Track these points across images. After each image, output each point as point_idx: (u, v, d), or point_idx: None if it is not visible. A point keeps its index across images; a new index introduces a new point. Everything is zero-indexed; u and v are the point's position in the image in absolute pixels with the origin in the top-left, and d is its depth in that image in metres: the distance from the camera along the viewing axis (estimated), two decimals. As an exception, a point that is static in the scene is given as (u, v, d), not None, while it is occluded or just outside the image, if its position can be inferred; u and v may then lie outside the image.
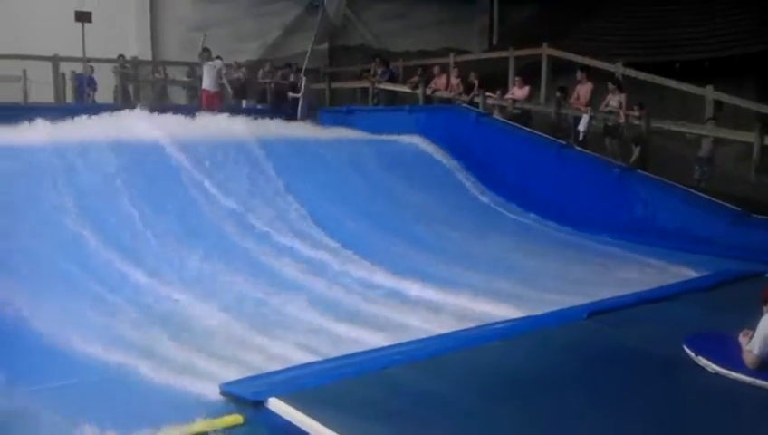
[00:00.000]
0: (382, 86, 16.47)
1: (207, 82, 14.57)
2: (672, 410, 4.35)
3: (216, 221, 8.97)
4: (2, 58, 15.04)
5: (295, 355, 5.62)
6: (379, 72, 16.67)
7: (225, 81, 15.03)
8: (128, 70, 17.31)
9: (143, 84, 17.75)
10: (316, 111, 16.72)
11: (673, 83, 12.71)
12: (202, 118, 12.04)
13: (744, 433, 4.16)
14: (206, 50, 14.67)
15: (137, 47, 18.61)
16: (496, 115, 13.78)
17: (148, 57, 18.70)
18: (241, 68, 17.89)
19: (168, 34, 19.13)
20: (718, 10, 15.89)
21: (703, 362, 4.97)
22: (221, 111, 13.49)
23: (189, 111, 12.82)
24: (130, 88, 17.34)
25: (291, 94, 16.88)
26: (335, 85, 18.20)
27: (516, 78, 14.17)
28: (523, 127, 13.07)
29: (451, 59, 16.18)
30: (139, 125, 10.71)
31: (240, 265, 8.02)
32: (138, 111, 11.45)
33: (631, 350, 5.45)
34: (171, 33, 19.01)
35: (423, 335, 5.93)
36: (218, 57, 15.04)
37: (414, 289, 7.56)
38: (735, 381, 4.74)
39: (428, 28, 20.92)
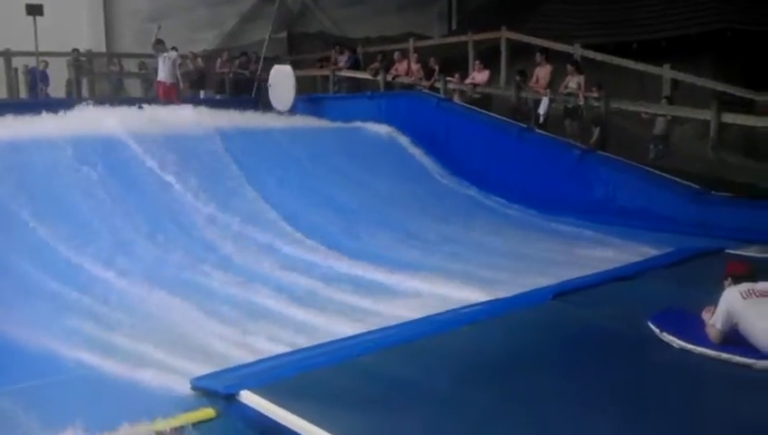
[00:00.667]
0: (343, 73, 16.40)
1: (163, 74, 14.32)
2: (640, 386, 4.43)
3: (178, 214, 8.86)
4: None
5: (266, 347, 5.59)
6: (344, 59, 16.57)
7: (178, 72, 14.78)
8: (82, 63, 16.97)
9: (98, 78, 17.41)
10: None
11: (630, 63, 12.86)
12: (159, 110, 11.82)
13: (711, 405, 4.24)
14: (160, 41, 14.42)
15: (90, 40, 18.29)
16: (457, 100, 13.82)
17: (103, 50, 18.38)
18: (197, 58, 17.65)
19: (121, 26, 18.84)
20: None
21: (668, 338, 5.06)
22: (178, 102, 13.33)
23: (145, 103, 12.59)
24: (85, 81, 17.00)
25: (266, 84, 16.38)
26: (297, 74, 18.02)
27: (476, 62, 14.22)
28: (484, 111, 13.14)
29: (411, 44, 16.16)
30: (97, 119, 10.51)
31: (207, 257, 7.96)
32: (93, 104, 11.21)
33: (597, 329, 5.54)
34: (125, 25, 18.72)
35: (391, 321, 5.93)
36: (174, 48, 14.80)
37: (378, 275, 7.58)
38: (700, 355, 4.84)
39: (388, 13, 20.85)
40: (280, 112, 14.64)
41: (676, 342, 5.00)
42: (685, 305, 5.60)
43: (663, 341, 5.08)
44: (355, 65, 16.54)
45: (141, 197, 8.95)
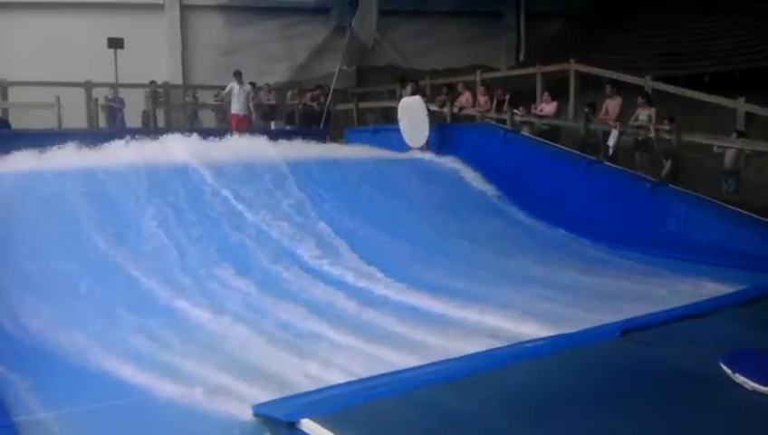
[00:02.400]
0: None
1: (237, 107, 14.77)
2: (709, 428, 4.28)
3: (248, 243, 9.04)
4: (37, 85, 15.43)
5: (329, 376, 5.62)
6: (407, 91, 16.70)
7: (251, 105, 15.23)
8: (159, 94, 17.62)
9: (173, 108, 18.04)
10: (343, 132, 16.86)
11: (703, 96, 12.59)
12: (231, 140, 12.15)
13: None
14: (238, 72, 14.84)
15: (168, 72, 19.00)
16: (525, 132, 13.75)
17: (180, 82, 19.06)
18: (272, 91, 18.13)
19: (198, 59, 19.55)
20: (747, 21, 15.71)
21: (740, 379, 4.87)
22: (249, 133, 13.58)
23: (219, 133, 12.98)
24: (161, 112, 17.62)
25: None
26: (363, 105, 18.31)
27: (545, 93, 14.15)
28: (552, 143, 13.03)
29: (478, 76, 16.21)
30: (171, 148, 10.88)
31: (273, 286, 8.08)
32: (169, 134, 11.62)
33: (666, 368, 5.36)
34: (201, 58, 19.41)
35: (455, 355, 5.89)
36: (252, 83, 15.33)
37: (450, 310, 7.52)
38: (775, 398, 4.65)
39: (455, 46, 21.02)
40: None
41: (749, 383, 4.80)
42: (758, 346, 5.39)
43: (735, 382, 4.89)
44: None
45: (212, 223, 9.17)
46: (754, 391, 4.76)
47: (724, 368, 5.02)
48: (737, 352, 5.25)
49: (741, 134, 11.56)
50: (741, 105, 12.10)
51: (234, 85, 15.12)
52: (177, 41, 19.56)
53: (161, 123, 17.06)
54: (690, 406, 4.65)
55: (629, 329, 6.15)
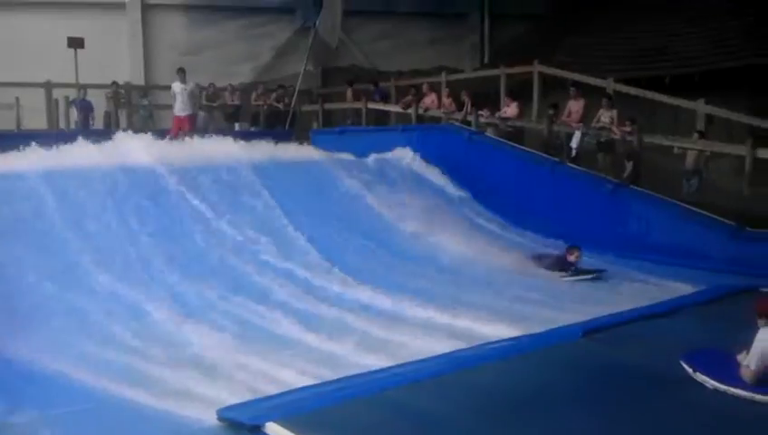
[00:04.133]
0: (372, 106, 16.56)
1: (179, 107, 13.55)
2: (671, 426, 4.36)
3: (211, 244, 8.95)
4: (-5, 85, 15.11)
5: (294, 379, 5.59)
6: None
7: (198, 103, 14.32)
8: (120, 95, 17.35)
9: (135, 109, 17.77)
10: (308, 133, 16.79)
11: (664, 98, 12.80)
12: (193, 142, 11.96)
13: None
14: (181, 70, 13.84)
15: (130, 73, 18.71)
16: (489, 133, 13.83)
17: (142, 82, 18.78)
18: (236, 91, 17.95)
19: (161, 59, 19.23)
20: (707, 24, 16.00)
21: (701, 377, 4.97)
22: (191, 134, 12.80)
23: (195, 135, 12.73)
24: (123, 113, 17.35)
25: None
26: (328, 106, 18.27)
27: (507, 96, 14.26)
28: (516, 145, 13.13)
29: (443, 78, 16.27)
30: (131, 150, 10.69)
31: (236, 288, 8.01)
32: (129, 135, 11.39)
33: (628, 367, 5.45)
34: (164, 58, 19.10)
35: (421, 356, 5.90)
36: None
37: (413, 310, 7.54)
38: (734, 396, 4.74)
39: (420, 47, 21.04)
40: None
41: (709, 382, 4.90)
42: (718, 345, 5.50)
43: (696, 381, 4.98)
44: (382, 98, 16.79)
45: (175, 226, 9.05)
46: (715, 390, 4.86)
47: (685, 367, 5.11)
48: (697, 352, 5.36)
49: (701, 135, 11.77)
50: (701, 106, 12.34)
51: (175, 84, 13.73)
52: (139, 41, 19.26)
53: (123, 124, 16.80)
54: (652, 404, 4.73)
55: (592, 329, 6.25)
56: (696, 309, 7.27)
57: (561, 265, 9.52)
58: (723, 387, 4.82)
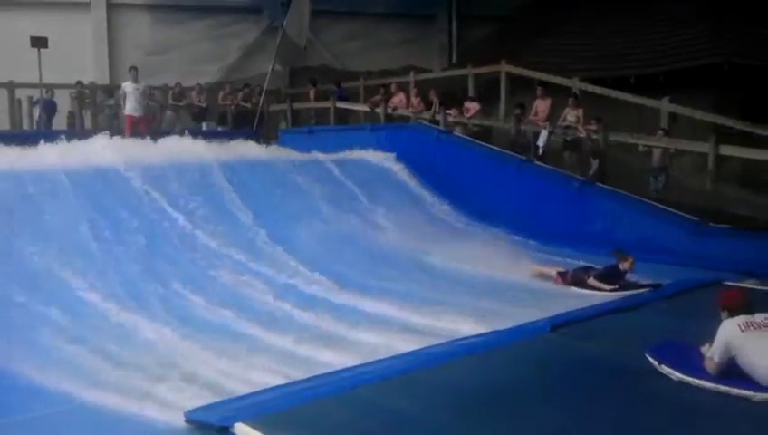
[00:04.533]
0: (341, 106, 16.57)
1: (131, 106, 13.33)
2: (639, 418, 4.41)
3: (176, 245, 8.87)
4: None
5: (262, 378, 5.56)
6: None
7: (149, 104, 14.14)
8: (85, 95, 17.12)
9: (100, 109, 17.54)
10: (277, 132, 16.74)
11: (629, 97, 12.98)
12: (163, 141, 11.83)
13: (709, 439, 4.22)
14: (133, 69, 13.67)
15: (94, 72, 18.47)
16: (457, 132, 13.91)
17: (107, 82, 18.57)
18: (203, 91, 17.83)
19: (126, 59, 18.98)
20: (671, 24, 16.25)
21: (666, 370, 5.03)
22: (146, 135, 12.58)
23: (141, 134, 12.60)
24: (88, 114, 17.12)
25: None
26: (296, 106, 18.22)
27: (469, 97, 14.36)
28: (484, 143, 13.22)
29: (411, 78, 16.33)
30: (98, 150, 10.55)
31: (203, 290, 7.95)
32: (96, 136, 11.26)
33: (595, 361, 5.51)
34: (129, 58, 18.84)
35: (389, 353, 5.91)
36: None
37: (385, 309, 7.56)
38: (699, 387, 4.81)
39: (389, 47, 21.10)
40: None
41: (675, 374, 4.97)
42: (683, 337, 5.58)
43: (661, 373, 5.05)
44: (341, 98, 16.95)
45: (140, 227, 8.95)
46: (680, 382, 4.92)
47: (651, 360, 5.17)
48: (662, 345, 5.43)
49: (665, 132, 11.95)
50: (665, 105, 12.54)
51: (127, 84, 13.64)
52: (104, 40, 19.05)
53: (88, 125, 16.58)
54: (619, 397, 4.78)
55: (559, 324, 6.30)
56: (661, 303, 7.37)
57: (610, 276, 8.35)
58: (688, 379, 4.88)
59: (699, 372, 4.89)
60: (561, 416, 4.47)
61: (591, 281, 8.41)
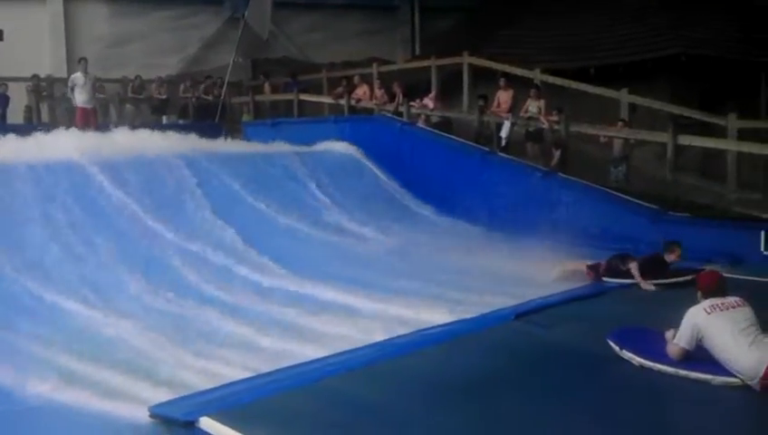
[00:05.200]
0: (304, 98, 16.49)
1: (83, 98, 13.01)
2: (600, 403, 4.47)
3: (138, 239, 8.77)
4: None
5: (227, 372, 5.53)
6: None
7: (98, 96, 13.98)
8: (42, 88, 16.78)
9: (57, 103, 17.20)
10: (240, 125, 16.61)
11: (589, 88, 13.14)
12: (120, 135, 11.66)
13: (670, 421, 4.29)
14: (83, 60, 13.40)
15: (51, 65, 18.10)
16: (420, 124, 13.94)
17: (64, 75, 18.19)
18: (164, 84, 17.59)
19: (84, 51, 18.58)
20: (631, 16, 16.47)
21: (627, 355, 5.11)
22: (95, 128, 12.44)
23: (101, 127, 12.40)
24: (45, 107, 16.79)
25: None
26: (259, 98, 18.08)
27: (432, 92, 14.41)
28: (447, 135, 13.27)
29: (374, 69, 16.30)
30: (56, 144, 10.38)
31: (166, 283, 7.88)
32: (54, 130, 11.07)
33: (559, 348, 5.58)
34: (87, 50, 18.47)
35: (356, 344, 5.91)
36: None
37: (353, 301, 7.57)
38: (659, 372, 4.90)
39: (352, 39, 21.02)
40: None
41: (636, 359, 5.05)
42: (643, 323, 5.68)
43: (623, 358, 5.13)
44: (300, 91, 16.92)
45: (101, 222, 8.83)
46: (641, 366, 5.01)
47: (612, 345, 5.25)
48: (624, 330, 5.51)
49: (625, 123, 12.12)
50: (624, 96, 12.72)
51: (77, 75, 13.24)
52: (61, 32, 18.65)
53: (45, 118, 16.26)
54: (582, 382, 4.86)
55: (524, 313, 6.37)
56: (622, 290, 7.49)
57: (653, 267, 7.70)
58: (648, 363, 4.96)
59: (659, 356, 4.98)
60: (524, 402, 4.52)
61: (633, 270, 7.70)
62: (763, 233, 9.10)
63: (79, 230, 8.54)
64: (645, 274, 7.61)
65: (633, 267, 7.71)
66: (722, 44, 15.47)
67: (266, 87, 17.59)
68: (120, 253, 8.36)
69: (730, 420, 4.39)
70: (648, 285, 7.50)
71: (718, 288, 5.01)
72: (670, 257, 7.77)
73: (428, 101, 14.20)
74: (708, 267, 7.67)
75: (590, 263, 8.31)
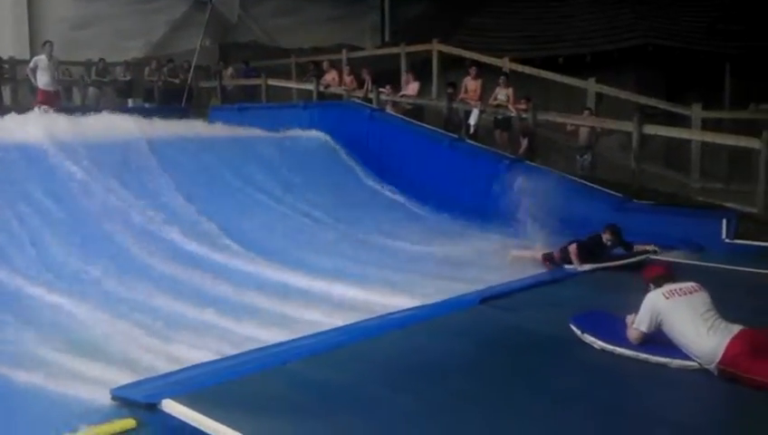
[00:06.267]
0: (273, 83, 16.38)
1: (46, 81, 13.03)
2: (562, 385, 4.53)
3: (103, 223, 8.66)
4: None
5: (190, 355, 5.50)
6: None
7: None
8: (4, 70, 16.43)
9: (20, 85, 16.85)
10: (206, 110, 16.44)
11: (557, 77, 13.24)
12: (84, 118, 11.48)
13: (629, 403, 4.35)
14: (48, 43, 13.33)
15: (14, 47, 17.70)
16: (389, 110, 13.92)
17: (27, 57, 17.81)
18: (129, 67, 17.35)
19: (47, 34, 18.23)
20: (598, 6, 16.61)
21: (589, 339, 5.19)
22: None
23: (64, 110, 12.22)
24: (7, 90, 16.45)
25: None
26: (226, 83, 17.90)
27: (408, 73, 14.36)
28: (416, 122, 13.28)
29: (344, 55, 16.24)
30: (20, 127, 10.18)
31: (129, 267, 7.80)
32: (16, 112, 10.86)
33: (522, 332, 5.64)
34: (51, 33, 18.12)
35: (320, 328, 5.92)
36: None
37: (317, 286, 7.57)
38: (620, 355, 4.97)
39: (321, 24, 20.88)
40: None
41: (597, 343, 5.12)
42: (605, 308, 5.75)
43: (584, 342, 5.20)
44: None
45: (64, 206, 8.69)
46: (602, 350, 5.08)
47: (574, 329, 5.33)
48: (586, 314, 5.59)
49: (591, 112, 12.24)
50: (591, 85, 12.85)
51: (41, 58, 13.24)
52: (24, 14, 18.23)
53: (8, 101, 15.93)
54: (545, 365, 4.92)
55: (489, 297, 6.42)
56: (586, 276, 7.58)
57: (591, 248, 7.85)
58: (609, 347, 5.04)
59: (620, 340, 5.06)
60: (488, 384, 4.57)
61: (571, 252, 7.87)
62: (724, 221, 9.28)
63: (41, 214, 8.39)
64: (584, 255, 7.83)
65: (572, 249, 7.91)
66: (687, 35, 15.70)
67: (227, 73, 17.45)
68: (83, 236, 8.23)
69: (687, 403, 4.47)
70: (584, 267, 7.72)
71: (669, 276, 5.12)
72: (605, 238, 7.90)
73: (409, 88, 14.12)
74: (672, 253, 7.85)
75: (544, 252, 8.47)
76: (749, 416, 4.20)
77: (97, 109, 13.04)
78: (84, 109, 13.21)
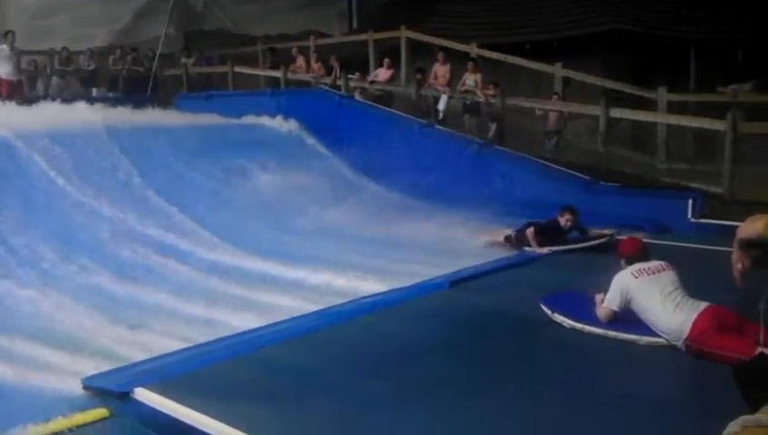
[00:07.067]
0: (240, 70, 16.24)
1: (7, 71, 13.06)
2: (533, 364, 4.59)
3: (67, 212, 8.56)
4: None
5: (162, 343, 5.46)
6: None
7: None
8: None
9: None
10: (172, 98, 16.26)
11: (524, 62, 13.31)
12: (46, 107, 11.32)
13: (598, 380, 4.42)
14: (9, 33, 13.28)
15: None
16: (358, 97, 13.89)
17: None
18: (93, 56, 17.07)
19: (9, 23, 17.89)
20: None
21: (559, 318, 5.25)
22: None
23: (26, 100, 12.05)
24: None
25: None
26: (192, 71, 17.69)
27: (386, 60, 14.33)
28: (386, 108, 13.28)
29: (311, 42, 16.15)
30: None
31: (94, 254, 7.72)
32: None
33: (492, 313, 5.68)
34: (13, 22, 17.79)
35: (292, 314, 5.91)
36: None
37: (286, 271, 7.56)
38: (589, 334, 5.04)
39: (288, 11, 20.72)
40: None
41: (567, 322, 5.19)
42: (573, 288, 5.83)
43: (555, 321, 5.27)
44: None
45: (29, 196, 8.56)
46: (572, 329, 5.15)
47: (545, 309, 5.39)
48: (556, 295, 5.66)
49: (558, 96, 12.34)
50: (558, 70, 12.95)
51: (2, 48, 13.22)
52: (-16, 3, 17.94)
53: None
54: (516, 345, 4.98)
55: (458, 280, 6.46)
56: (554, 257, 7.66)
57: (548, 231, 7.93)
58: (579, 326, 5.11)
59: (589, 319, 5.13)
60: (460, 366, 4.60)
61: (528, 235, 7.96)
62: (690, 201, 9.42)
63: (7, 205, 8.25)
64: (542, 239, 7.91)
65: (529, 233, 7.99)
66: (652, 21, 15.87)
67: (190, 61, 17.30)
68: (49, 227, 8.12)
69: (656, 378, 4.55)
70: (542, 251, 7.80)
71: (641, 253, 5.19)
72: (563, 221, 7.98)
73: (380, 73, 14.08)
74: (639, 234, 7.94)
75: (507, 233, 8.58)
76: (716, 390, 4.27)
77: (61, 98, 12.85)
78: (47, 98, 12.99)
